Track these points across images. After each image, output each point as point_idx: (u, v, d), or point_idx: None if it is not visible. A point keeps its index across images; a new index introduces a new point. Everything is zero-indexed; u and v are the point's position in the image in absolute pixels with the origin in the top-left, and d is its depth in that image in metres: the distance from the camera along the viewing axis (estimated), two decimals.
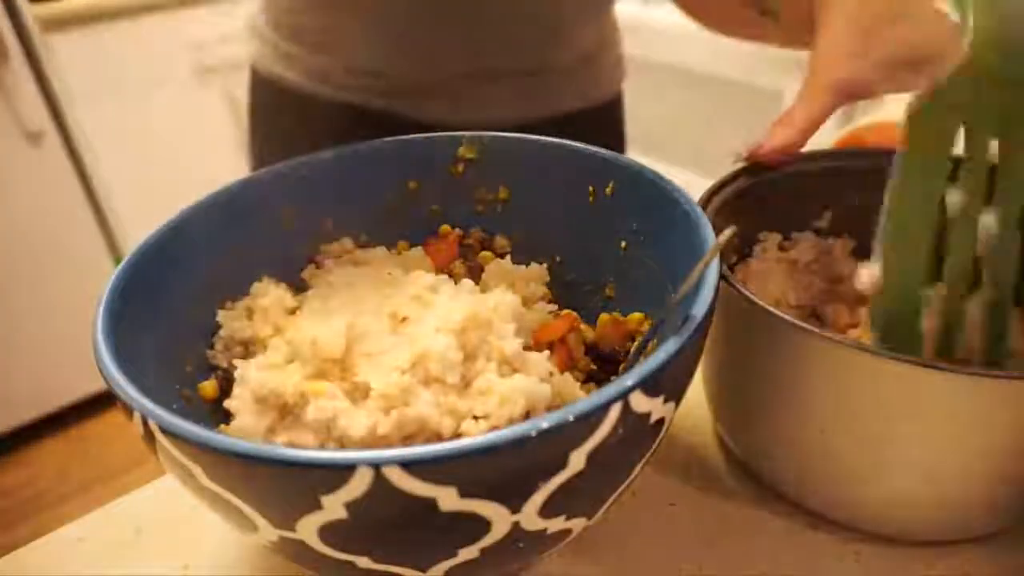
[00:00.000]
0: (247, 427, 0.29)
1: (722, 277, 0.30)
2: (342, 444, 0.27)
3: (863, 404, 0.29)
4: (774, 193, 0.39)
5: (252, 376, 0.29)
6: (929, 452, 0.29)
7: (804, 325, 0.28)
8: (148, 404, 0.22)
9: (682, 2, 0.60)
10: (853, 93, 0.36)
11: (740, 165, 0.39)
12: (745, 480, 0.37)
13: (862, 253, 0.42)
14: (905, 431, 0.28)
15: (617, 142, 0.73)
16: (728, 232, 0.27)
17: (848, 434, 0.30)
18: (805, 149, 0.40)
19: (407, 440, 0.27)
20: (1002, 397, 0.26)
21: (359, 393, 0.29)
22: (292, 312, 0.34)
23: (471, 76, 0.58)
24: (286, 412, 0.29)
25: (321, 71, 0.59)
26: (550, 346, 0.34)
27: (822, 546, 0.34)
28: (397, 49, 0.57)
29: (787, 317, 0.29)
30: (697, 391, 0.40)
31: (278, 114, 0.63)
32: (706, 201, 0.36)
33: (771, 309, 0.29)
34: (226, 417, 0.30)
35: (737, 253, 0.40)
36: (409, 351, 0.29)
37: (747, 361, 0.33)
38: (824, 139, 0.66)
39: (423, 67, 0.57)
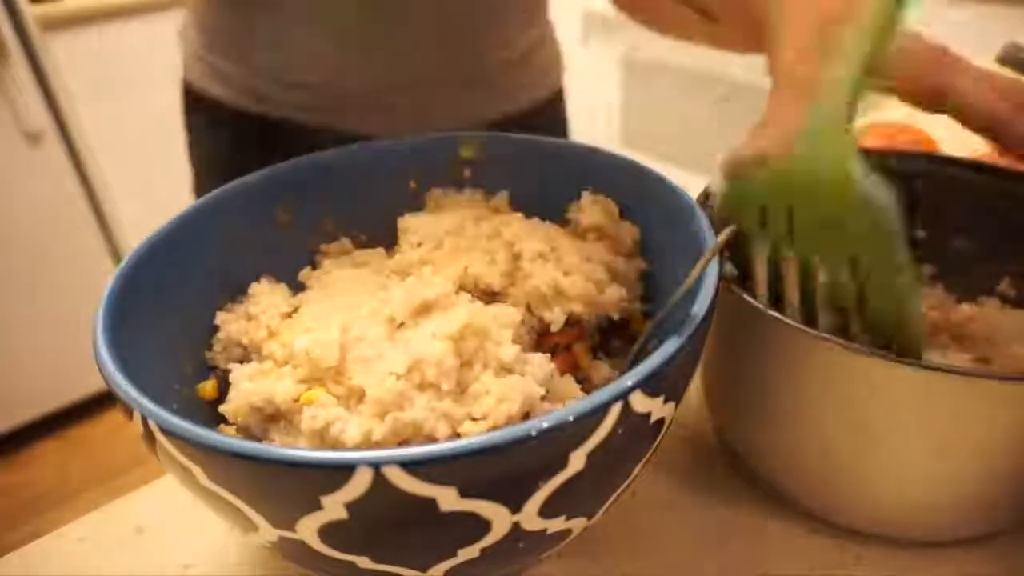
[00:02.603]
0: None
1: (721, 278, 0.30)
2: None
3: (861, 406, 0.28)
4: None
5: (245, 383, 0.29)
6: (929, 454, 0.29)
7: (800, 327, 0.28)
8: (148, 404, 0.22)
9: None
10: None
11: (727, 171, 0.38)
12: (745, 481, 0.37)
13: None
14: (904, 433, 0.28)
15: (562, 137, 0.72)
16: (728, 232, 0.27)
17: (847, 436, 0.30)
18: None
19: (402, 445, 0.27)
20: (1002, 398, 0.26)
21: (354, 397, 0.29)
22: (290, 315, 0.34)
23: (406, 86, 0.57)
24: (280, 417, 0.29)
25: (251, 86, 0.58)
26: (552, 349, 0.34)
27: (822, 549, 0.34)
28: (331, 61, 0.56)
29: (783, 318, 0.28)
30: (698, 391, 0.40)
31: (215, 134, 0.62)
32: (703, 200, 0.36)
33: (769, 311, 0.29)
34: (226, 417, 0.30)
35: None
36: (405, 356, 0.29)
37: (746, 363, 0.33)
38: None
39: (357, 78, 0.56)
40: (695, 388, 0.36)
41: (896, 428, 0.28)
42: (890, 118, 0.62)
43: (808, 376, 0.30)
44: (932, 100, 0.37)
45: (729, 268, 0.33)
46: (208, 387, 0.32)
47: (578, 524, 0.26)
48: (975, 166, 0.39)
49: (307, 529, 0.22)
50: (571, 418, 0.20)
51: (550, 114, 0.68)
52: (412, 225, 0.37)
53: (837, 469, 0.31)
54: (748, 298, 0.30)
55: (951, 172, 0.39)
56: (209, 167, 0.65)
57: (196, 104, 0.63)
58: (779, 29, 0.36)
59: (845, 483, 0.32)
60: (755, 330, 0.31)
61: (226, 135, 0.61)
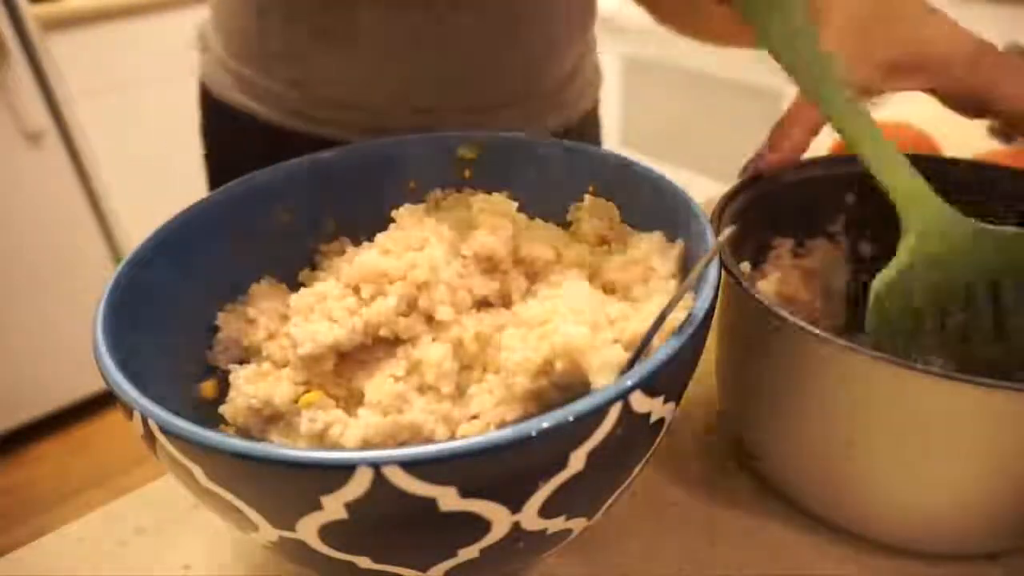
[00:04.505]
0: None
1: (741, 285, 0.30)
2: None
3: (890, 416, 0.28)
4: (788, 199, 0.39)
5: (243, 385, 0.29)
6: (959, 467, 0.28)
7: (812, 329, 0.27)
8: (148, 404, 0.22)
9: (653, 7, 0.59)
10: (860, 94, 0.35)
11: (752, 173, 0.38)
12: (748, 483, 0.37)
13: (875, 257, 0.41)
14: (934, 445, 0.28)
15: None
16: (728, 231, 0.27)
17: (875, 447, 0.29)
18: (819, 155, 0.40)
19: (401, 447, 0.27)
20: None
21: (353, 399, 0.29)
22: (289, 316, 0.34)
23: (462, 108, 0.55)
24: (278, 418, 0.29)
25: (290, 103, 0.55)
26: None
27: (824, 551, 0.34)
28: (378, 80, 0.53)
29: (799, 321, 0.28)
30: (701, 392, 0.40)
31: (241, 147, 0.58)
32: (721, 208, 0.36)
33: (784, 313, 0.28)
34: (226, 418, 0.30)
35: (751, 260, 0.39)
36: (404, 358, 0.29)
37: (760, 365, 0.33)
38: (824, 139, 0.66)
39: (402, 99, 0.54)
40: (699, 388, 0.35)
41: (927, 440, 0.28)
42: (888, 118, 0.62)
43: (834, 384, 0.29)
44: (975, 105, 0.35)
45: (744, 266, 0.33)
46: (208, 387, 0.32)
47: (578, 524, 0.26)
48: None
49: (307, 529, 0.22)
50: (571, 418, 0.20)
51: (593, 124, 0.68)
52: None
53: (849, 474, 0.31)
54: (763, 300, 0.29)
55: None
56: (228, 176, 0.63)
57: (218, 113, 0.59)
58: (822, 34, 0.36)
59: (872, 494, 0.31)
60: (770, 332, 0.31)
61: (257, 149, 0.56)
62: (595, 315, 0.28)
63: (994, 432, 0.27)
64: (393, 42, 0.52)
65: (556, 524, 0.24)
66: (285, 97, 0.55)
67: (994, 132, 0.66)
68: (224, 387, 0.31)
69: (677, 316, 0.25)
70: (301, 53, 0.53)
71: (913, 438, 0.28)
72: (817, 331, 0.27)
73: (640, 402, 0.22)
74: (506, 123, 0.56)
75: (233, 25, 0.56)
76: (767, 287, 0.38)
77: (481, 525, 0.22)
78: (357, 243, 0.39)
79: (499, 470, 0.21)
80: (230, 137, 0.59)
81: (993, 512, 0.30)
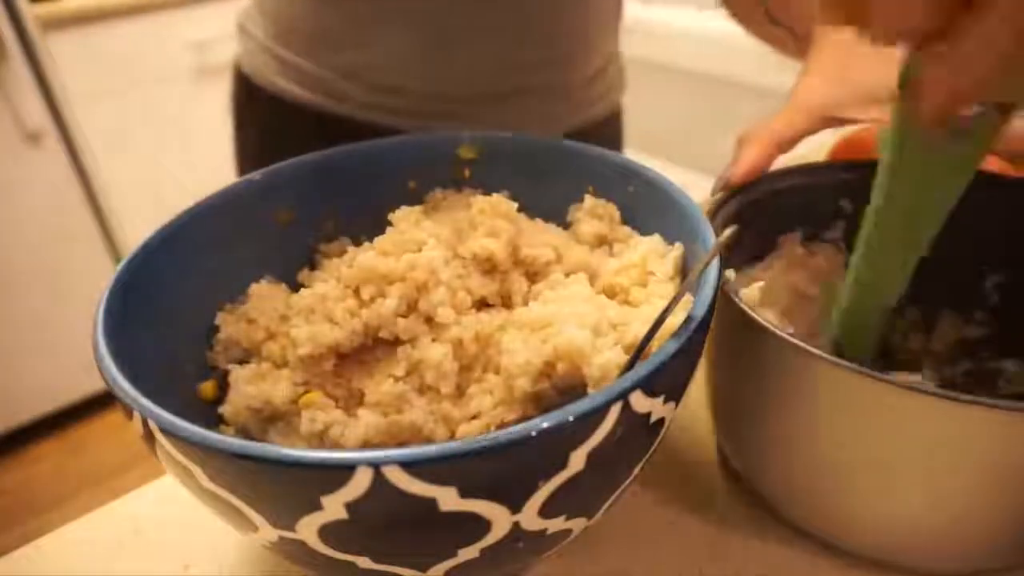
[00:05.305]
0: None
1: (731, 298, 0.30)
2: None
3: (879, 433, 0.28)
4: (785, 204, 0.38)
5: (243, 386, 0.29)
6: (949, 484, 0.28)
7: (800, 343, 0.27)
8: (148, 404, 0.22)
9: None
10: (829, 119, 0.36)
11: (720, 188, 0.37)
12: (742, 497, 0.37)
13: None
14: (924, 462, 0.27)
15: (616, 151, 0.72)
16: (729, 232, 0.27)
17: (864, 463, 0.29)
18: (816, 160, 0.40)
19: (401, 447, 0.27)
20: (1011, 427, 0.25)
21: (353, 399, 0.29)
22: (288, 316, 0.34)
23: (496, 96, 0.55)
24: (278, 418, 0.29)
25: (340, 88, 0.55)
26: None
27: (816, 565, 0.33)
28: (423, 66, 0.54)
29: (783, 333, 0.27)
30: (700, 399, 0.40)
31: (285, 133, 0.59)
32: (714, 211, 0.35)
33: (769, 326, 0.28)
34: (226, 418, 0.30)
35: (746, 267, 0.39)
36: (405, 359, 0.29)
37: (747, 377, 0.32)
38: (824, 139, 0.66)
39: (448, 87, 0.55)
40: (697, 390, 0.35)
41: (911, 457, 0.28)
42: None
43: (821, 400, 0.29)
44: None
45: (729, 273, 0.33)
46: (208, 387, 0.32)
47: (578, 524, 0.26)
48: None
49: (307, 529, 0.22)
50: (571, 418, 0.20)
51: (614, 126, 0.68)
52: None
53: (838, 490, 0.31)
54: (750, 312, 0.29)
55: None
56: (265, 161, 0.64)
57: (258, 100, 0.60)
58: (810, 55, 0.37)
59: (857, 509, 0.31)
60: (756, 345, 0.30)
61: (302, 134, 0.57)
62: (596, 318, 0.28)
63: (984, 450, 0.26)
64: (450, 25, 0.52)
65: (556, 524, 0.24)
66: (334, 82, 0.55)
67: None
68: (224, 387, 0.31)
69: (677, 317, 0.26)
70: (353, 37, 0.53)
71: (903, 454, 0.28)
72: (805, 345, 0.27)
73: (640, 402, 0.22)
74: (538, 113, 0.57)
75: (280, 9, 0.56)
76: (759, 297, 0.38)
77: (481, 525, 0.22)
78: (357, 243, 0.39)
79: (499, 470, 0.21)
80: (273, 123, 0.60)
81: (984, 530, 0.29)
